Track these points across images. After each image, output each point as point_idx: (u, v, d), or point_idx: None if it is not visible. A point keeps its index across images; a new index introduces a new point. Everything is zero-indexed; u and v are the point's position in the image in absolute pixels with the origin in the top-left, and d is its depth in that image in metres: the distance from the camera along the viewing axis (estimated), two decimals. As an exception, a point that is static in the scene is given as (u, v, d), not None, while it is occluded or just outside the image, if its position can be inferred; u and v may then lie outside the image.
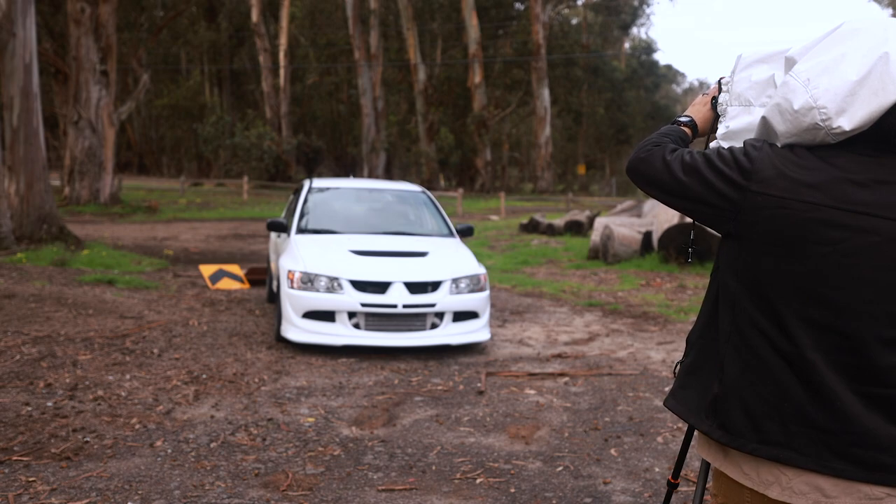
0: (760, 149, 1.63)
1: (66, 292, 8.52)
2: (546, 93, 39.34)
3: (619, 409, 5.26)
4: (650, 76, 50.78)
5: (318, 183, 8.56)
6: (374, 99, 39.50)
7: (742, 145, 1.68)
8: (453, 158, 40.57)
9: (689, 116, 2.05)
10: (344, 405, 5.19)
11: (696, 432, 1.93)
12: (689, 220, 11.72)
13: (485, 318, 6.88)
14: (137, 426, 4.59)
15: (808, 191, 1.54)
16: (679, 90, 70.84)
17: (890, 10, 55.67)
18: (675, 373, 1.88)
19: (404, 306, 6.48)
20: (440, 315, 6.65)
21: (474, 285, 6.82)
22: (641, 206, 16.88)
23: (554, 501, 3.74)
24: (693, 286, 10.76)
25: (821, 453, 1.53)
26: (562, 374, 6.09)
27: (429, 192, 8.80)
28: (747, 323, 1.60)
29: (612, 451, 4.44)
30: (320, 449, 4.35)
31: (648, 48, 54.44)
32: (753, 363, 1.59)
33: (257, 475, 3.94)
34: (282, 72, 42.14)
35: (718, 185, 1.63)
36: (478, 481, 3.96)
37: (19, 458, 4.01)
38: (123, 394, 5.20)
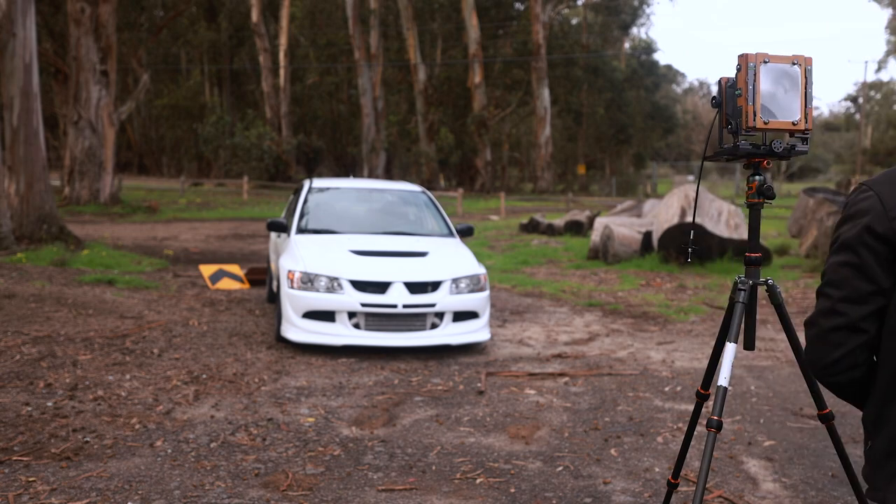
0: (869, 197, 1.63)
1: (66, 292, 8.52)
2: (546, 93, 39.35)
3: (619, 409, 5.26)
4: (650, 76, 50.74)
5: (318, 183, 8.56)
6: (374, 99, 39.49)
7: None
8: (453, 158, 40.59)
9: None
10: (344, 405, 5.19)
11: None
12: (688, 220, 11.73)
13: (485, 318, 6.87)
14: (137, 426, 4.59)
15: None
16: (679, 90, 70.87)
17: (890, 10, 55.60)
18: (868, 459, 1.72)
19: (404, 306, 6.47)
20: (440, 315, 6.64)
21: (474, 285, 6.82)
22: (641, 206, 16.88)
23: (554, 501, 3.73)
24: (693, 286, 10.75)
25: None
26: (562, 374, 6.08)
27: (429, 192, 8.79)
28: None
29: (612, 451, 4.43)
30: (320, 449, 4.35)
31: (648, 48, 54.44)
32: None
33: (257, 475, 3.94)
34: (282, 72, 42.14)
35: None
36: (478, 481, 3.96)
37: (19, 458, 4.01)
38: (123, 394, 5.20)
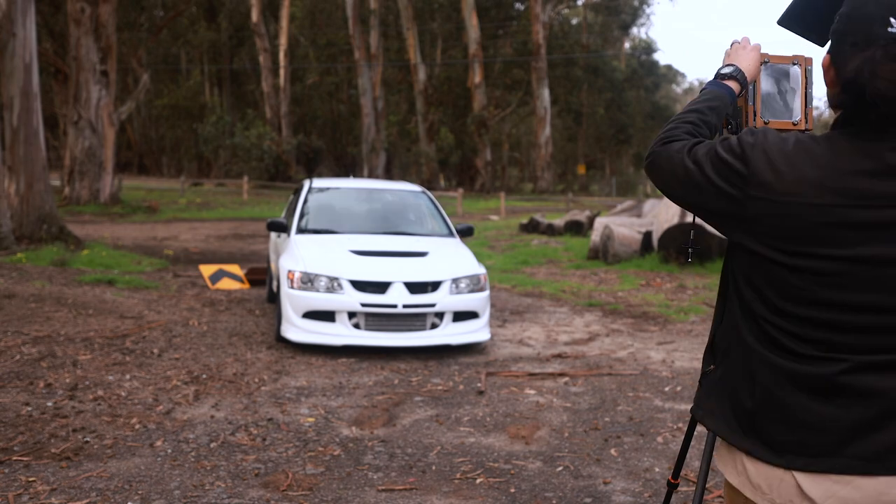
0: (755, 144, 1.46)
1: (66, 292, 8.52)
2: (546, 93, 39.34)
3: (619, 409, 5.26)
4: (650, 76, 50.77)
5: (318, 183, 8.56)
6: (374, 99, 39.49)
7: (738, 137, 1.49)
8: (453, 158, 40.60)
9: (732, 65, 1.76)
10: (344, 405, 5.19)
11: (709, 439, 1.85)
12: (689, 220, 11.73)
13: (485, 318, 6.87)
14: (137, 426, 4.59)
15: (813, 191, 1.39)
16: (679, 90, 70.87)
17: (890, 10, 55.73)
18: (701, 383, 1.72)
19: (404, 306, 6.47)
20: (440, 315, 6.64)
21: (474, 285, 6.82)
22: (641, 206, 16.88)
23: (554, 501, 3.73)
24: (693, 286, 10.75)
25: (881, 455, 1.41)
26: (562, 374, 6.08)
27: (429, 192, 8.79)
28: (768, 337, 1.48)
29: (612, 451, 4.43)
30: (320, 449, 4.35)
31: (648, 48, 54.46)
32: (781, 376, 1.46)
33: (257, 475, 3.94)
34: (282, 72, 42.14)
35: (722, 189, 1.48)
36: (478, 481, 3.96)
37: (19, 458, 4.01)
38: (123, 394, 5.20)
